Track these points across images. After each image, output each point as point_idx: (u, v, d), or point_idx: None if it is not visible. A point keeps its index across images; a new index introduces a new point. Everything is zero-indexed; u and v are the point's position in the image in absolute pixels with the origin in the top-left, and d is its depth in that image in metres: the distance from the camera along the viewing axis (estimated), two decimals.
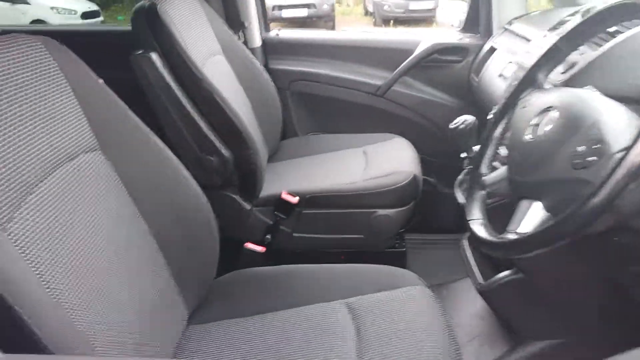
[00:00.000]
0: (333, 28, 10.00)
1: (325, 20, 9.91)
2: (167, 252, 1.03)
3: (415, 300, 1.05)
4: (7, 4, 8.42)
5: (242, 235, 1.61)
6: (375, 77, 2.07)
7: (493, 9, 1.93)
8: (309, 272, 1.16)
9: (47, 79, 0.89)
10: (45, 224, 0.78)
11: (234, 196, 1.57)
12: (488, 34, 1.97)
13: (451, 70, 2.03)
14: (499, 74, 1.69)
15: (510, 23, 1.86)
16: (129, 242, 0.95)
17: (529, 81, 0.97)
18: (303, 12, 9.29)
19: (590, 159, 0.69)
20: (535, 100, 0.88)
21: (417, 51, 2.00)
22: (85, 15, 9.24)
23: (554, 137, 0.78)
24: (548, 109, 0.81)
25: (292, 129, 2.14)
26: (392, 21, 10.25)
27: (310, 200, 1.57)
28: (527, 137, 0.82)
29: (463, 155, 1.23)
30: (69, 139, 0.90)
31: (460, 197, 1.27)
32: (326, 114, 2.15)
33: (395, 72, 2.03)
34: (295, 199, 1.55)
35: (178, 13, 1.53)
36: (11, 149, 0.77)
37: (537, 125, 0.82)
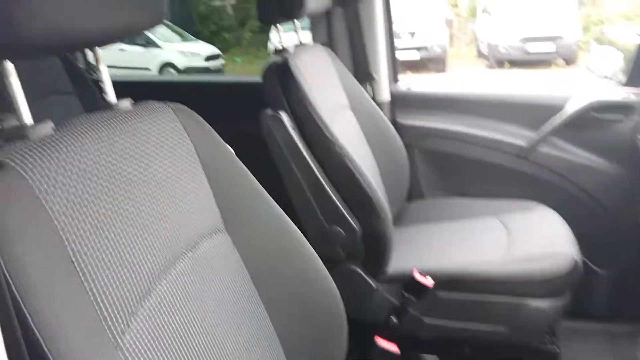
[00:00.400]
0: (444, 70, 9.76)
1: (436, 62, 9.71)
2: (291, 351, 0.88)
3: None
4: (142, 48, 9.23)
5: (363, 314, 1.43)
6: (517, 137, 1.83)
7: None
8: None
9: (178, 151, 0.79)
10: (161, 332, 0.66)
11: (358, 270, 1.41)
12: None
13: (610, 130, 1.74)
14: None
15: None
16: (252, 341, 0.82)
17: None
18: (415, 56, 9.17)
19: None
20: None
21: (569, 107, 1.74)
22: (208, 58, 9.87)
23: None
24: None
25: (419, 190, 1.95)
26: (507, 63, 9.82)
27: (447, 282, 1.36)
28: None
29: None
30: (196, 221, 0.79)
31: None
32: (458, 176, 1.93)
33: (542, 130, 1.78)
34: (430, 282, 1.34)
35: (309, 67, 1.44)
36: (136, 237, 0.66)
37: None
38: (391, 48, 1.94)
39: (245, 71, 10.65)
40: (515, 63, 9.75)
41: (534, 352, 1.39)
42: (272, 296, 0.89)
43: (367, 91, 1.82)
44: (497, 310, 1.35)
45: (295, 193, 1.35)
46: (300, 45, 1.55)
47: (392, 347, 1.26)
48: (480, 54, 11.10)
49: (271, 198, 0.92)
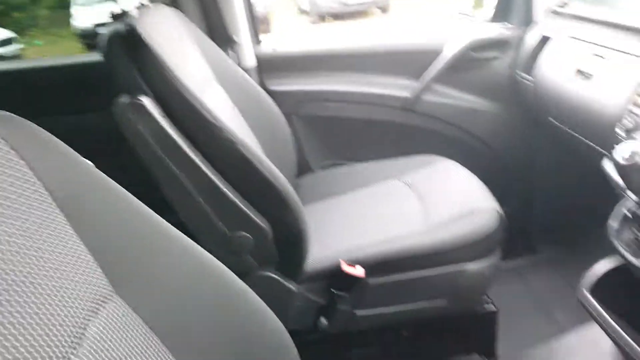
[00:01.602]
0: (269, 31, 9.54)
1: (261, 22, 9.43)
2: None
3: None
4: None
5: (290, 324, 1.19)
6: (400, 88, 1.69)
7: None
8: None
9: (13, 193, 0.47)
10: None
11: (274, 276, 1.15)
12: (527, 21, 1.64)
13: (489, 69, 1.68)
14: (576, 69, 1.35)
15: (563, 5, 1.53)
16: None
17: None
18: None
19: None
20: None
21: (447, 51, 1.64)
22: (1, 43, 8.33)
23: None
24: None
25: (306, 163, 1.73)
26: (328, 17, 9.98)
27: (378, 265, 1.17)
28: None
29: (633, 197, 0.87)
30: (72, 299, 0.48)
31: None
32: (344, 140, 1.75)
33: (424, 78, 1.66)
34: (360, 271, 1.14)
35: (162, 34, 1.10)
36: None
37: None
38: (249, 5, 1.65)
39: (51, 54, 9.27)
40: (336, 16, 9.94)
41: (475, 317, 1.29)
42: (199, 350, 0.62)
43: (230, 57, 1.51)
44: (434, 284, 1.20)
45: (179, 199, 1.04)
46: (143, 6, 1.19)
47: None
48: (301, 11, 11.10)
49: (162, 221, 0.63)
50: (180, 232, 0.65)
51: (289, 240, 1.12)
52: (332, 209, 1.42)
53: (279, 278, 1.15)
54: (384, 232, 1.24)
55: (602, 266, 1.15)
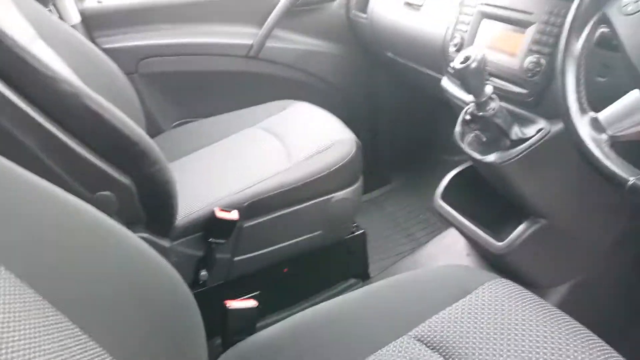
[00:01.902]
0: None
1: None
2: None
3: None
4: None
5: None
6: (242, 36, 1.66)
7: None
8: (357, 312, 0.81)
9: None
10: None
11: (145, 235, 1.09)
12: None
13: (326, 11, 1.73)
14: (404, 2, 1.45)
15: None
16: None
17: None
18: None
19: None
20: None
21: None
22: None
23: None
24: None
25: (156, 123, 1.64)
26: None
27: (251, 208, 1.17)
28: None
29: (469, 98, 0.97)
30: None
31: (476, 152, 1.02)
32: (193, 94, 1.68)
33: (264, 25, 1.65)
34: (234, 215, 1.13)
35: None
36: None
37: None
38: None
39: None
40: None
41: (347, 243, 1.36)
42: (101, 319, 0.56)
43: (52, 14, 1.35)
44: (307, 218, 1.24)
45: (28, 166, 0.92)
46: None
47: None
48: None
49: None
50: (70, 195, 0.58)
51: (155, 196, 1.06)
52: (194, 164, 1.37)
53: (150, 236, 1.09)
54: (251, 176, 1.24)
55: (450, 174, 1.28)
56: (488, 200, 1.24)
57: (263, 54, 1.68)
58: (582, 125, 0.70)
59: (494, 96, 0.95)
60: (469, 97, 0.98)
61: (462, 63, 0.90)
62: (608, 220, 1.09)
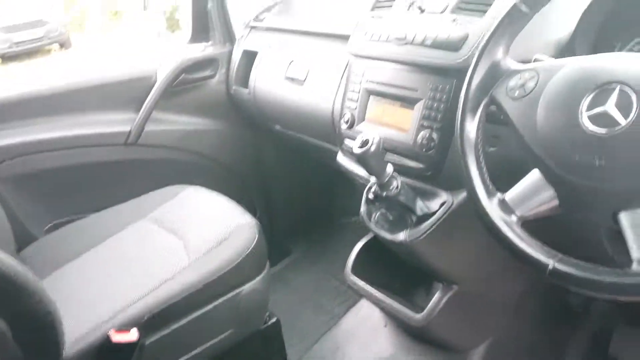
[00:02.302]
0: None
1: None
2: None
3: None
4: None
5: None
6: (119, 123, 1.54)
7: (228, 10, 1.66)
8: None
9: None
10: None
11: None
12: (228, 39, 1.69)
13: (205, 88, 1.68)
14: (285, 76, 1.44)
15: (259, 19, 1.63)
16: None
17: (492, 66, 0.74)
18: None
19: None
20: (562, 80, 0.66)
21: (161, 76, 1.58)
22: None
23: None
24: (606, 87, 0.62)
25: (24, 232, 1.44)
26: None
27: (152, 322, 1.04)
28: (598, 128, 0.61)
29: (372, 180, 0.96)
30: None
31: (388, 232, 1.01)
32: (69, 192, 1.51)
33: (142, 109, 1.55)
34: (132, 334, 1.00)
35: None
36: None
37: (602, 112, 0.61)
38: None
39: None
40: (6, 57, 8.70)
41: (261, 333, 1.27)
42: None
43: None
44: (216, 318, 1.14)
45: None
46: None
47: None
48: None
49: None
50: None
51: (35, 332, 0.90)
52: (77, 274, 1.21)
53: None
54: (146, 282, 1.11)
55: (357, 247, 1.26)
56: (398, 267, 1.23)
57: (143, 139, 1.57)
58: (492, 209, 0.70)
59: (395, 174, 0.94)
60: (371, 177, 0.97)
61: (360, 147, 0.89)
62: (514, 279, 1.13)
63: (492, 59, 0.75)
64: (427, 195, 0.99)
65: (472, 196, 0.73)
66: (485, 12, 0.92)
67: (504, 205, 0.70)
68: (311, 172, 1.77)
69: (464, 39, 0.92)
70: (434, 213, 0.96)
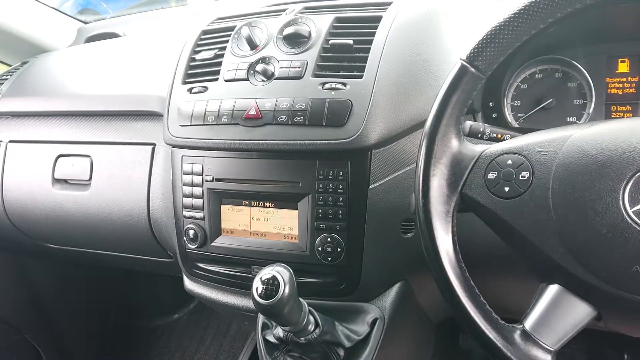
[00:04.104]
0: None
1: None
2: None
3: None
4: None
5: None
6: None
7: None
8: None
9: None
10: None
11: None
12: None
13: None
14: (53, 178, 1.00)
15: None
16: None
17: (450, 155, 0.52)
18: None
19: None
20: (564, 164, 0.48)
21: None
22: None
23: None
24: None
25: None
26: None
27: None
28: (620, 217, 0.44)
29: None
30: None
31: None
32: None
33: None
34: None
35: None
36: None
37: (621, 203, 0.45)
38: None
39: None
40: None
41: None
42: None
43: None
44: None
45: None
46: None
47: None
48: None
49: None
50: None
51: None
52: None
53: None
54: None
55: None
56: None
57: None
58: (516, 349, 0.50)
59: (311, 309, 0.67)
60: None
61: (265, 293, 0.59)
62: None
63: (447, 146, 0.54)
64: (350, 316, 0.74)
65: (479, 338, 0.52)
66: (363, 69, 0.71)
67: (528, 339, 0.51)
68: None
69: (347, 108, 0.69)
70: (368, 336, 0.72)
